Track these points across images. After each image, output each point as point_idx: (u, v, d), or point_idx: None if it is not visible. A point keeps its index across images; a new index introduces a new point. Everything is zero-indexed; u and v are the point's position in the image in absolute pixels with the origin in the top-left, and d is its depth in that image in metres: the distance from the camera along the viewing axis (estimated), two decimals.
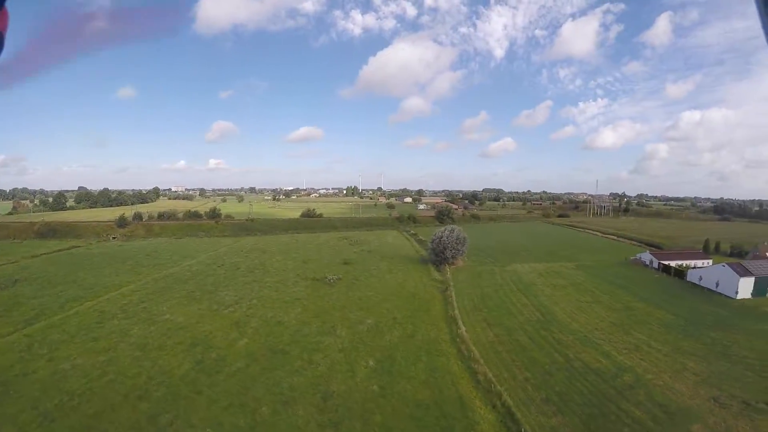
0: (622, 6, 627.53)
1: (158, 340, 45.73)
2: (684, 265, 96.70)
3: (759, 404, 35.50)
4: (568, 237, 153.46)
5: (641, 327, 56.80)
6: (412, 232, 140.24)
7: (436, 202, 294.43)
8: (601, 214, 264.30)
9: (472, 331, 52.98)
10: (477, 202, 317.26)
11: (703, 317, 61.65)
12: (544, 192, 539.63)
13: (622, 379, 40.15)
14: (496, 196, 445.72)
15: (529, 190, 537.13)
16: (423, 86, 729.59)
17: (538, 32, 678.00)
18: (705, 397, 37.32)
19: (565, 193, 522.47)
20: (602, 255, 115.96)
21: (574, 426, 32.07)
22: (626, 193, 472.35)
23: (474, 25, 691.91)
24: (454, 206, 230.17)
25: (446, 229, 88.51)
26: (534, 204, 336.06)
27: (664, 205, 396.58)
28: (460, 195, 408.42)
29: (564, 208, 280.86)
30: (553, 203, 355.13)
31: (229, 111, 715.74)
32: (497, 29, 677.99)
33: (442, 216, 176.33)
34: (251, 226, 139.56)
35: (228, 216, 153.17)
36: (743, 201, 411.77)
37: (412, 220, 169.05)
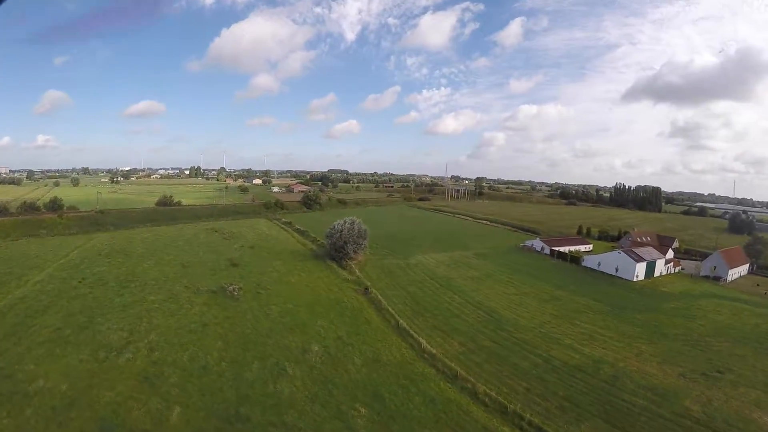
0: (481, 6, 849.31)
1: None
2: (572, 250, 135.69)
3: (713, 373, 53.03)
4: (443, 223, 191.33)
5: (580, 316, 73.37)
6: (284, 220, 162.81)
7: (291, 185, 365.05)
8: (457, 198, 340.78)
9: (433, 343, 56.76)
10: (330, 185, 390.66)
11: (621, 301, 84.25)
12: (391, 174, 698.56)
13: (603, 371, 52.47)
14: (346, 177, 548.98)
15: (375, 172, 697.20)
16: (275, 64, 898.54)
17: (391, 20, 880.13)
18: (673, 375, 51.98)
19: (408, 175, 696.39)
20: (489, 241, 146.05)
21: (607, 429, 41.05)
22: (464, 176, 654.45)
23: (329, 7, 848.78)
24: (306, 188, 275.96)
25: (345, 221, 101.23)
26: (386, 186, 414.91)
27: (507, 188, 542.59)
28: (308, 176, 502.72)
29: (420, 192, 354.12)
30: (406, 186, 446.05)
31: (63, 79, 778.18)
32: (352, 12, 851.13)
33: (309, 201, 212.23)
34: (102, 219, 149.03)
35: (72, 207, 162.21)
36: (572, 185, 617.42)
37: (280, 206, 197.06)
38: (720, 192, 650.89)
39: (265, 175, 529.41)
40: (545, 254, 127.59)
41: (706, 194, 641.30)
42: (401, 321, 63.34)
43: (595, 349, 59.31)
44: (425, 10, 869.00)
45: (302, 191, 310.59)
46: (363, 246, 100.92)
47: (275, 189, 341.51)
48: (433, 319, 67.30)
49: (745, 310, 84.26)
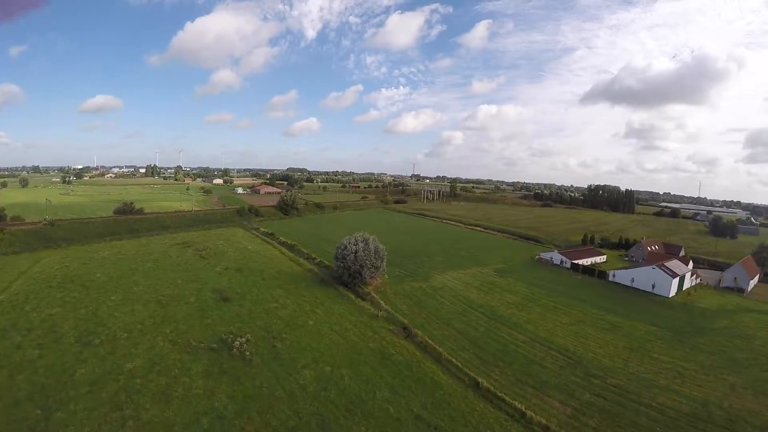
0: (449, 9, 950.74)
1: None
2: (592, 263, 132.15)
3: None
4: (438, 231, 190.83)
5: (651, 346, 70.85)
6: (264, 230, 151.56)
7: (256, 186, 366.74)
8: (432, 199, 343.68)
9: (532, 406, 49.60)
10: (297, 185, 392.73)
11: (673, 323, 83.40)
12: (353, 173, 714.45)
13: (715, 414, 51.46)
14: (309, 176, 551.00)
15: (336, 170, 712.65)
16: (237, 59, 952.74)
17: (352, 19, 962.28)
18: None
19: (368, 173, 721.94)
20: (499, 254, 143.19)
21: None
22: (423, 174, 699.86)
23: (291, 3, 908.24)
24: (276, 189, 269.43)
25: (358, 240, 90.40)
26: (353, 187, 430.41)
27: (473, 187, 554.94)
28: (268, 175, 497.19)
29: (394, 193, 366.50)
30: (371, 186, 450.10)
31: (18, 72, 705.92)
32: (313, 10, 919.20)
33: (286, 206, 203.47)
34: (52, 234, 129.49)
35: (17, 218, 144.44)
36: (532, 184, 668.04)
37: (254, 212, 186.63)
38: (674, 191, 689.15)
39: (225, 174, 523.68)
40: (566, 268, 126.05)
41: (661, 193, 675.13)
42: (479, 378, 54.95)
43: (692, 389, 57.34)
44: (387, 9, 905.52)
45: (270, 192, 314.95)
46: (381, 269, 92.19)
47: (239, 190, 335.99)
48: (510, 369, 59.73)
49: None
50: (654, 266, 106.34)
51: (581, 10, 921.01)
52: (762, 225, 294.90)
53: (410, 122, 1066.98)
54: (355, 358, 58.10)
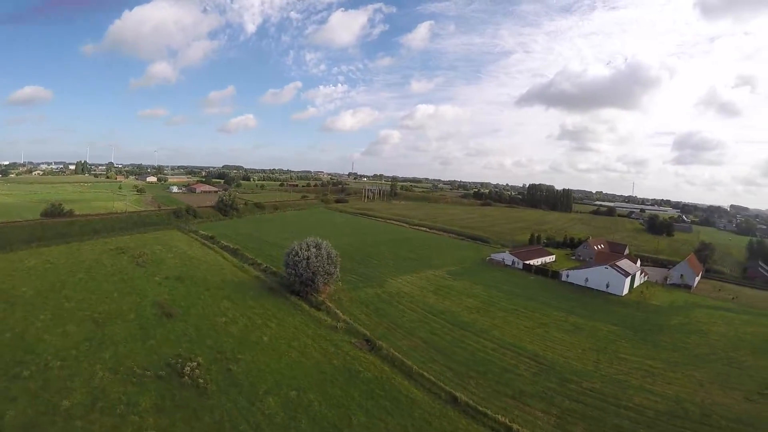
0: (393, 9, 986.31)
1: None
2: (543, 263, 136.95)
3: (765, 391, 60.75)
4: (384, 231, 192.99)
5: (615, 347, 74.46)
6: (203, 233, 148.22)
7: (192, 184, 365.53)
8: (374, 199, 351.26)
9: (517, 419, 49.38)
10: (234, 184, 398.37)
11: (631, 321, 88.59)
12: (290, 171, 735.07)
13: (690, 411, 55.09)
14: (245, 174, 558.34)
15: (274, 168, 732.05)
16: (175, 52, 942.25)
17: (293, 14, 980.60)
18: (740, 399, 58.23)
19: (304, 171, 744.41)
20: (449, 255, 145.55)
21: None
22: (360, 173, 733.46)
23: None
24: (213, 188, 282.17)
25: (310, 245, 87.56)
26: (291, 185, 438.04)
27: (411, 186, 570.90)
28: (203, 173, 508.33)
29: (335, 192, 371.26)
30: (315, 185, 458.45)
31: None
32: (255, 3, 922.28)
33: (225, 207, 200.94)
34: None
35: None
36: (469, 182, 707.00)
37: (192, 213, 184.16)
38: (605, 189, 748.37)
39: (159, 171, 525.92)
40: (518, 269, 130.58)
41: (593, 192, 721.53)
42: (456, 393, 53.87)
43: (664, 387, 61.28)
44: (330, 6, 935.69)
45: (207, 191, 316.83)
46: (335, 276, 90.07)
47: (174, 189, 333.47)
48: (484, 379, 59.58)
49: (734, 319, 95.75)
50: (607, 266, 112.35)
51: (521, 15, 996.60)
52: (693, 222, 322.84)
53: (348, 120, 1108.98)
54: (320, 379, 55.11)
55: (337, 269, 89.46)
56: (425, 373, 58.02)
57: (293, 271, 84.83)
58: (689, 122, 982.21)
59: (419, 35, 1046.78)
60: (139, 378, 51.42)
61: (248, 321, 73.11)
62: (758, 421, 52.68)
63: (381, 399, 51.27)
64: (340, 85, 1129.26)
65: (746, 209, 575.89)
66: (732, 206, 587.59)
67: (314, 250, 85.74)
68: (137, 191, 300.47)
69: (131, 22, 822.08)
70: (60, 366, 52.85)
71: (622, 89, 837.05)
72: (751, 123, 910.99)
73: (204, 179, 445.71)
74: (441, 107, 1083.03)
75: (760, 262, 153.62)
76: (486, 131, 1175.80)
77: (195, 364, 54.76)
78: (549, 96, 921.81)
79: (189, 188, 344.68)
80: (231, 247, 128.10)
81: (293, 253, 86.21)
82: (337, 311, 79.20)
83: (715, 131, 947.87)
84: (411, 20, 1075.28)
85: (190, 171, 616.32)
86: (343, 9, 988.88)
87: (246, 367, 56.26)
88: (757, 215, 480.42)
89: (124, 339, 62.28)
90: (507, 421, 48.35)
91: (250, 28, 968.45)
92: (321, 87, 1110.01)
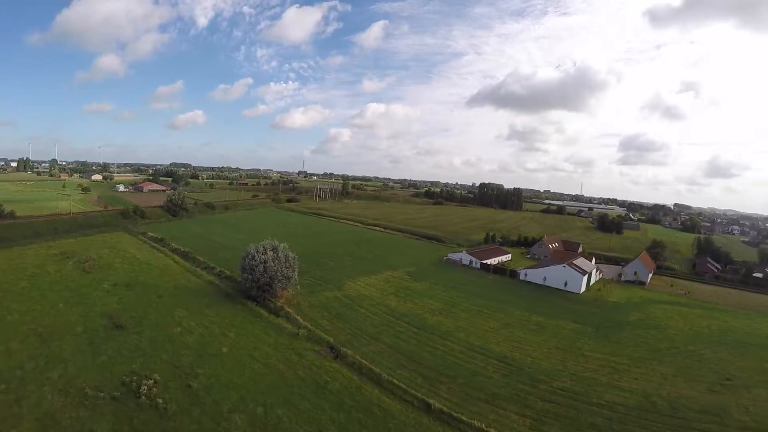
0: (348, 7, 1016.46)
1: None
2: (500, 262, 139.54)
3: (725, 382, 64.64)
4: (339, 232, 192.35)
5: (580, 345, 76.58)
6: (152, 235, 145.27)
7: (139, 183, 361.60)
8: (325, 198, 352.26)
9: (495, 424, 49.40)
10: (182, 182, 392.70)
11: (592, 318, 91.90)
12: (238, 168, 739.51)
13: (659, 404, 57.55)
14: (194, 173, 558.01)
15: (223, 166, 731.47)
16: (124, 45, 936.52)
17: (246, 9, 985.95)
18: (703, 390, 61.18)
19: (253, 169, 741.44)
20: (406, 255, 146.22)
21: None
22: (310, 171, 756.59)
23: None
24: (161, 187, 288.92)
25: (267, 248, 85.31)
26: (241, 184, 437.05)
27: (363, 184, 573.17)
28: (151, 171, 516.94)
29: (286, 191, 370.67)
30: (265, 184, 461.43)
31: None
32: None
33: (175, 207, 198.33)
34: None
35: None
36: (418, 181, 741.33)
37: (140, 214, 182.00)
38: (552, 188, 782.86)
39: (105, 169, 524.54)
40: (476, 268, 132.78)
41: (541, 191, 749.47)
42: (429, 400, 53.05)
43: (631, 383, 63.53)
44: (284, 2, 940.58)
45: (155, 190, 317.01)
46: (293, 280, 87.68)
47: (120, 188, 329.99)
48: (455, 384, 59.26)
49: (688, 314, 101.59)
50: (565, 265, 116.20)
51: (474, 18, 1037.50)
52: (640, 220, 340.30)
53: (298, 118, 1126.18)
54: (287, 392, 52.65)
55: (296, 273, 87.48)
56: (395, 380, 56.89)
57: (250, 276, 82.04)
58: (635, 125, 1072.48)
59: (373, 34, 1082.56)
60: (92, 400, 47.39)
61: (205, 330, 70.25)
62: (724, 411, 55.79)
63: (353, 410, 49.62)
64: (291, 82, 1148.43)
65: (689, 207, 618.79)
66: (675, 204, 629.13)
67: (271, 253, 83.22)
68: (82, 190, 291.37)
69: (80, 12, 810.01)
70: (4, 389, 48.22)
71: (570, 92, 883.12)
72: (694, 126, 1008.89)
73: (151, 177, 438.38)
74: (392, 106, 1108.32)
75: (709, 258, 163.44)
76: (436, 130, 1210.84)
77: (152, 381, 51.30)
78: (499, 97, 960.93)
79: (136, 187, 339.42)
80: (182, 249, 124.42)
81: (249, 256, 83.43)
82: (297, 317, 77.18)
83: (659, 133, 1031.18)
84: (365, 19, 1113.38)
85: (137, 169, 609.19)
86: (297, 5, 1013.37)
87: (207, 383, 53.30)
88: (700, 213, 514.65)
89: (72, 355, 57.98)
90: (484, 426, 48.17)
91: (202, 21, 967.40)
92: (272, 84, 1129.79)
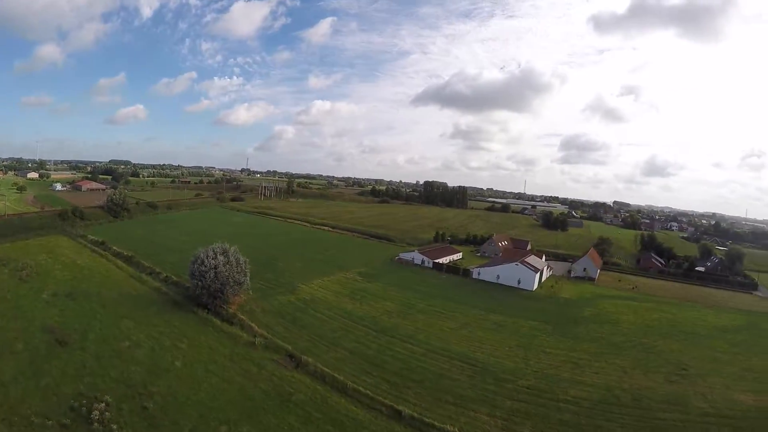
0: (297, 2, 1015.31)
1: None
2: (451, 261, 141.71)
3: (680, 371, 68.88)
4: (287, 232, 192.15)
5: (539, 341, 79.14)
6: (93, 238, 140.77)
7: (78, 182, 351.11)
8: (270, 197, 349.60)
9: (468, 428, 49.70)
10: (122, 180, 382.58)
11: (547, 315, 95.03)
12: (180, 166, 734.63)
13: (622, 397, 60.29)
14: (134, 170, 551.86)
15: (164, 164, 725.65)
16: (65, 33, 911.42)
17: (192, 1, 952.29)
18: (661, 381, 65.00)
19: (196, 167, 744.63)
20: (357, 255, 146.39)
21: None
22: (254, 169, 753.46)
23: None
24: (101, 185, 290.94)
25: (217, 252, 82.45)
26: (183, 182, 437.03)
27: (308, 182, 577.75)
28: (89, 168, 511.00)
29: (230, 189, 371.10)
30: (208, 182, 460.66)
31: None
32: None
33: (116, 208, 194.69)
34: None
35: None
36: (362, 179, 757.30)
37: (79, 215, 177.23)
38: (495, 186, 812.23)
39: (41, 166, 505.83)
40: (429, 267, 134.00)
41: (485, 188, 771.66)
42: (399, 407, 52.43)
43: (592, 377, 66.20)
44: None
45: (94, 189, 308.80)
46: (245, 285, 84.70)
47: (58, 186, 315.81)
48: (422, 388, 59.11)
49: (638, 308, 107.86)
50: (518, 263, 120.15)
51: (422, 17, 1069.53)
52: (582, 218, 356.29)
53: (242, 114, 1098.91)
54: (250, 407, 50.29)
55: (247, 278, 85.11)
56: (361, 388, 56.00)
57: (200, 282, 78.75)
58: (576, 125, 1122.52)
59: (321, 31, 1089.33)
60: (39, 430, 43.26)
61: (155, 343, 66.65)
62: (684, 400, 59.66)
63: (321, 423, 48.19)
64: (235, 77, 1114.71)
65: (628, 205, 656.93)
66: (615, 202, 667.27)
67: (222, 257, 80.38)
68: (17, 189, 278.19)
69: None
70: None
71: (514, 93, 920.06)
72: (634, 128, 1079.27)
73: (90, 175, 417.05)
74: (337, 104, 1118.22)
75: (652, 254, 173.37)
76: (381, 129, 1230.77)
77: (103, 405, 47.49)
78: (444, 96, 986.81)
79: (74, 186, 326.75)
80: (125, 254, 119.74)
81: (199, 261, 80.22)
82: (252, 324, 75.01)
83: (600, 134, 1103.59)
84: (313, 15, 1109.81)
85: (75, 166, 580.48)
86: None
87: (163, 402, 49.84)
88: (639, 210, 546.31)
89: (14, 378, 53.07)
90: (456, 430, 48.38)
91: (147, 12, 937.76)
92: (216, 79, 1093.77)
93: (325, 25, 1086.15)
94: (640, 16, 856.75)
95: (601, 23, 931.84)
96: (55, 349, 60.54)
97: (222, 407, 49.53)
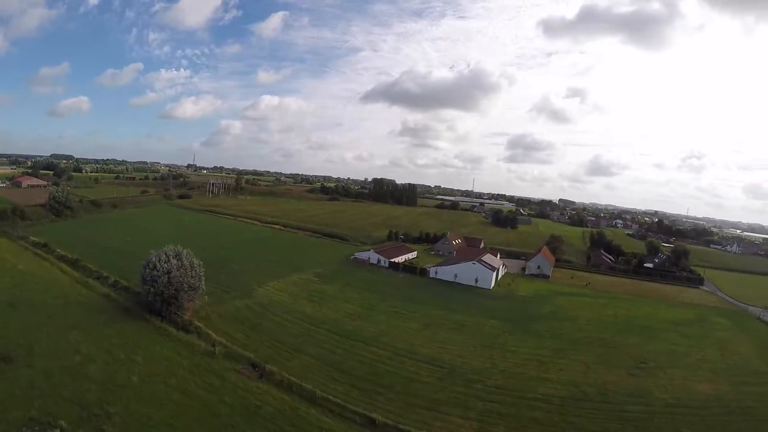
0: None
1: None
2: (407, 260, 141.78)
3: (641, 365, 71.88)
4: (237, 231, 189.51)
5: (502, 341, 79.96)
6: (35, 240, 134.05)
7: (18, 177, 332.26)
8: (218, 194, 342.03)
9: None
10: (64, 176, 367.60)
11: (507, 313, 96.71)
12: (125, 161, 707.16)
13: (590, 393, 62.06)
14: (76, 166, 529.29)
15: (108, 159, 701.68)
16: (7, 19, 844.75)
17: None
18: (624, 375, 67.68)
19: (141, 162, 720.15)
20: (310, 255, 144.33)
21: None
22: (199, 164, 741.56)
23: None
24: (42, 182, 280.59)
25: (169, 255, 78.42)
26: (128, 179, 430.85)
27: (255, 179, 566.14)
28: (29, 163, 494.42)
29: (177, 186, 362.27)
30: (153, 178, 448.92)
31: None
32: None
33: (59, 206, 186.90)
34: None
35: None
36: (309, 176, 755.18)
37: (20, 215, 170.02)
38: (442, 184, 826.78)
39: None
40: (385, 267, 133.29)
41: (432, 186, 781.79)
42: (371, 414, 50.94)
43: (558, 374, 67.73)
44: None
45: (35, 186, 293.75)
46: (200, 289, 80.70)
47: None
48: (392, 393, 57.93)
49: (593, 304, 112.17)
50: (475, 261, 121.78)
51: (373, 14, 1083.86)
52: (529, 215, 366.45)
53: (189, 108, 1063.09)
54: (217, 424, 46.99)
55: (202, 282, 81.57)
56: (331, 397, 54.03)
57: (152, 288, 74.47)
58: (523, 125, 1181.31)
59: (272, 24, 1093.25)
60: None
61: (108, 356, 61.62)
62: (646, 392, 62.57)
63: None
64: (183, 69, 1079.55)
65: (573, 203, 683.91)
66: (560, 200, 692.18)
67: (175, 261, 76.41)
68: None
69: None
70: None
71: (463, 92, 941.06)
72: (579, 129, 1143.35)
73: (31, 171, 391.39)
74: (286, 99, 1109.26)
75: (602, 251, 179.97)
76: (329, 125, 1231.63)
77: (57, 430, 42.23)
78: (393, 94, 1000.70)
79: (13, 182, 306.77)
80: (70, 257, 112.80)
81: (151, 266, 75.96)
82: (210, 332, 71.23)
83: (546, 134, 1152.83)
84: (265, 8, 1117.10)
85: (15, 161, 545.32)
86: None
87: (122, 424, 45.24)
88: (584, 208, 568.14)
89: None
90: None
91: None
92: (163, 70, 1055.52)
93: (276, 19, 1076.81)
94: (588, 22, 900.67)
95: (551, 27, 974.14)
96: None
97: (186, 425, 46.09)
